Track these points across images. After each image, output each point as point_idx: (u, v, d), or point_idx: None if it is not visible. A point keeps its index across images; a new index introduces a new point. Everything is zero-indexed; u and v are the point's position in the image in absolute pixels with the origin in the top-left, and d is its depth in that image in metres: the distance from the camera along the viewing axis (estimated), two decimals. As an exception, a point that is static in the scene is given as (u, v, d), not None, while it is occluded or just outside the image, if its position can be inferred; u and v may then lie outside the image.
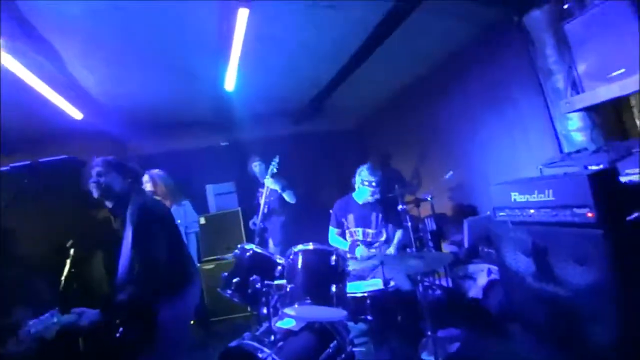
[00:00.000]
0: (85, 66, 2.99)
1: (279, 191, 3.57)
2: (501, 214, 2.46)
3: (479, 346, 2.63)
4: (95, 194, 1.80)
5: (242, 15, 2.38)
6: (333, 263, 1.76)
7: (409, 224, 2.60)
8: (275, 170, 3.43)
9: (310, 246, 1.84)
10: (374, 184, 2.68)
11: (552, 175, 2.39)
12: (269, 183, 3.49)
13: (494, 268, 2.97)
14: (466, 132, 3.77)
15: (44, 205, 2.06)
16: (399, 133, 5.15)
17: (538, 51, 2.74)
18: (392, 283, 2.10)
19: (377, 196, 2.73)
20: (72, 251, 2.18)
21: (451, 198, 3.89)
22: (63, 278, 2.09)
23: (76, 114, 3.31)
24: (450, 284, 3.16)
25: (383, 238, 2.69)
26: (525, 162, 3.04)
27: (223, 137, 5.23)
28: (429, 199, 3.15)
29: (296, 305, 1.68)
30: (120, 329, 1.53)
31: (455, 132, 3.95)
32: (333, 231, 2.86)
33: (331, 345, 1.88)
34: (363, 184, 2.72)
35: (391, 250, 2.60)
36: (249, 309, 3.50)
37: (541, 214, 2.21)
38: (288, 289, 1.69)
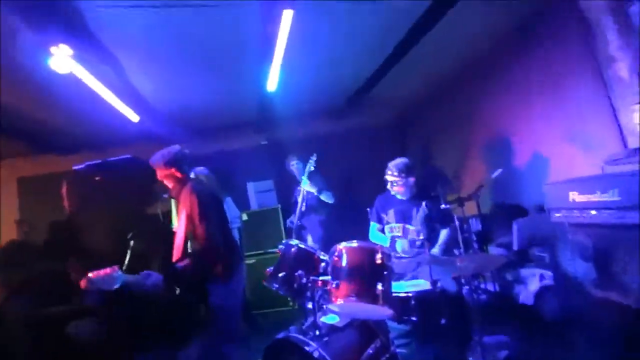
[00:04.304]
0: (142, 74, 3.26)
1: (316, 194, 3.61)
2: (557, 215, 2.30)
3: (530, 355, 2.49)
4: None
5: (287, 16, 2.44)
6: (378, 261, 1.76)
7: (457, 223, 2.50)
8: (312, 169, 3.46)
9: (355, 244, 1.84)
10: (395, 173, 2.55)
11: (617, 172, 2.20)
12: (306, 186, 3.53)
13: (547, 273, 2.79)
14: (515, 125, 3.57)
15: (111, 200, 2.30)
16: (442, 127, 4.98)
17: (598, 36, 2.51)
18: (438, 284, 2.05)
19: (400, 188, 2.59)
20: (132, 242, 2.36)
21: (498, 197, 3.70)
22: (124, 267, 2.28)
23: (133, 117, 3.60)
24: (497, 289, 3.02)
25: (422, 236, 2.60)
26: (582, 158, 2.82)
27: (263, 136, 5.40)
28: (478, 194, 2.99)
29: (341, 302, 1.70)
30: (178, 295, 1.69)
31: (502, 126, 3.76)
32: (374, 226, 2.82)
33: (375, 343, 1.88)
34: (387, 174, 2.62)
35: (436, 250, 2.52)
36: (290, 303, 3.61)
37: (604, 216, 2.05)
38: (333, 285, 1.72)
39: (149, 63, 3.13)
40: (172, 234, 2.56)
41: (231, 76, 3.61)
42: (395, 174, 2.56)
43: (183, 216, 1.89)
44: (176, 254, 1.85)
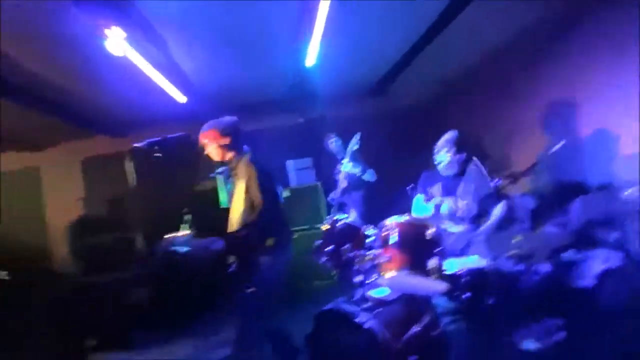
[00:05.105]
0: (183, 53, 3.32)
1: (359, 174, 3.57)
2: (631, 190, 2.09)
3: (586, 340, 2.35)
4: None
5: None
6: (430, 236, 1.71)
7: (511, 200, 2.36)
8: (356, 147, 3.41)
9: (406, 218, 1.81)
10: (447, 148, 2.47)
11: None
12: (348, 168, 3.50)
13: (611, 255, 2.57)
14: (575, 98, 3.24)
15: (168, 175, 2.44)
16: (486, 102, 4.67)
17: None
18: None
19: (450, 164, 2.51)
20: (185, 217, 2.50)
21: (556, 174, 3.42)
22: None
23: (181, 98, 3.70)
24: (552, 270, 2.84)
25: (464, 213, 2.48)
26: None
27: (300, 113, 5.39)
28: (533, 170, 2.78)
29: (393, 274, 1.68)
30: (234, 265, 1.79)
31: (561, 97, 3.43)
32: (420, 198, 2.74)
33: (424, 319, 1.86)
34: (439, 153, 2.54)
35: (488, 226, 2.40)
36: (334, 277, 3.69)
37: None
38: (385, 259, 1.70)
39: (189, 41, 3.17)
40: (220, 209, 2.67)
41: (271, 53, 3.60)
42: (447, 149, 2.45)
43: (241, 187, 1.93)
44: (231, 224, 1.91)
